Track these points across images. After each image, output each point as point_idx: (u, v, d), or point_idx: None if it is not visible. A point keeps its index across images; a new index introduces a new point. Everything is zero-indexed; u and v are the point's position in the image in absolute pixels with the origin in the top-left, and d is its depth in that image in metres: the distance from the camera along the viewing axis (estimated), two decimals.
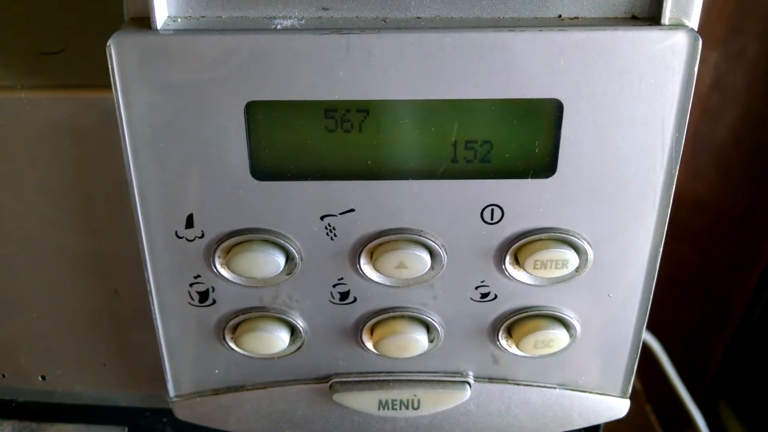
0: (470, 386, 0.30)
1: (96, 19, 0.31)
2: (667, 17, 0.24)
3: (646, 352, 0.62)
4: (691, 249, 0.68)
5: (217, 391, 0.31)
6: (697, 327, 0.73)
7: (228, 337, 0.29)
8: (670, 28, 0.24)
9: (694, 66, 0.24)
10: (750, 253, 0.67)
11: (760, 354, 0.69)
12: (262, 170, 0.26)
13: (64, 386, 0.36)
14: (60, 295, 0.33)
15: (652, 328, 0.62)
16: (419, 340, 0.29)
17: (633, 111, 0.25)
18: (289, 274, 0.28)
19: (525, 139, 0.25)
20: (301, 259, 0.27)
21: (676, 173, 0.26)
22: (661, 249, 0.28)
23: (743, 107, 0.59)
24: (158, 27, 0.24)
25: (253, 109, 0.25)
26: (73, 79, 0.28)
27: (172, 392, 0.31)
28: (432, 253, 0.27)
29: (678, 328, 0.72)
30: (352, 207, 0.26)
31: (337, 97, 0.25)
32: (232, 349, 0.29)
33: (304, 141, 0.26)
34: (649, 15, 0.24)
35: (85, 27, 0.32)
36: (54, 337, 0.34)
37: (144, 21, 0.24)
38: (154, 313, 0.29)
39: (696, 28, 0.24)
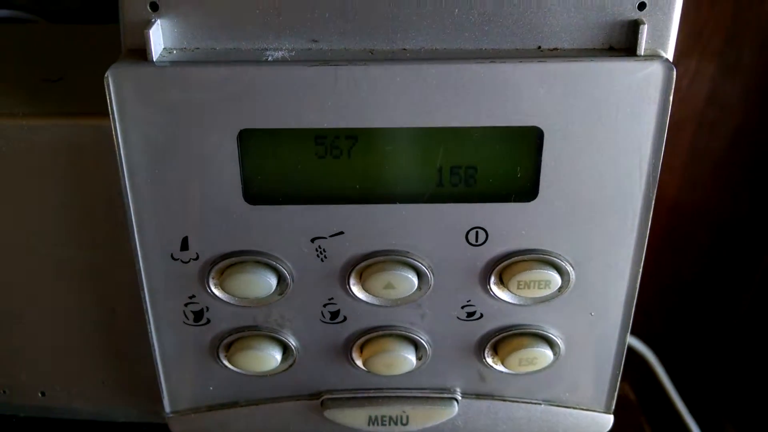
0: (458, 402, 0.31)
1: (96, 48, 0.32)
2: (642, 48, 0.25)
3: (642, 365, 0.62)
4: (689, 261, 0.68)
5: (211, 407, 0.32)
6: (695, 339, 0.73)
7: (222, 356, 0.30)
8: (646, 59, 0.25)
9: (670, 95, 0.25)
10: (748, 265, 0.67)
11: (761, 366, 0.69)
12: (254, 195, 0.27)
13: (64, 402, 0.37)
14: (59, 314, 0.34)
15: (649, 340, 0.62)
16: (407, 358, 0.30)
17: (611, 138, 0.26)
18: (281, 294, 0.28)
19: (507, 164, 0.26)
20: (293, 280, 0.28)
21: (654, 197, 0.27)
22: (641, 269, 0.28)
23: (740, 119, 0.59)
24: (154, 58, 0.25)
25: (245, 137, 0.26)
26: (72, 107, 0.29)
27: (167, 408, 0.32)
28: (419, 274, 0.28)
29: (676, 340, 0.72)
30: (341, 230, 0.27)
31: (326, 125, 0.26)
32: (226, 366, 0.30)
33: (294, 167, 0.27)
34: (626, 46, 0.25)
35: (84, 56, 0.33)
36: (53, 354, 0.35)
37: (141, 52, 0.25)
38: (150, 332, 0.30)
39: (671, 59, 0.25)
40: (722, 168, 0.62)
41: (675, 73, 0.25)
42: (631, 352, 0.61)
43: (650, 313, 0.71)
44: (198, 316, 0.29)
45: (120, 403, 0.36)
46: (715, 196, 0.64)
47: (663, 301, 0.71)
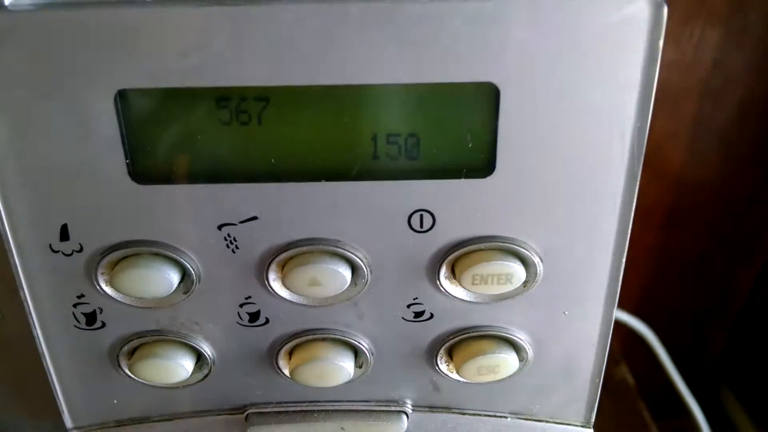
0: (407, 416, 0.26)
1: None
2: None
3: (642, 345, 0.58)
4: (693, 235, 0.65)
5: (119, 423, 0.27)
6: (699, 314, 0.70)
7: (123, 364, 0.25)
8: None
9: (659, 41, 0.20)
10: (754, 238, 0.65)
11: (764, 341, 0.66)
12: (143, 172, 0.22)
13: None
14: None
15: (651, 316, 0.59)
16: (343, 367, 0.25)
17: (585, 97, 0.21)
18: (186, 293, 0.23)
19: (456, 131, 0.21)
20: (200, 276, 0.23)
21: (640, 171, 0.22)
22: (624, 259, 0.23)
23: (746, 88, 0.56)
24: (6, 2, 0.20)
25: (126, 99, 0.21)
26: None
27: (68, 424, 0.27)
28: (353, 267, 0.23)
29: (680, 315, 0.70)
30: (254, 214, 0.22)
31: (228, 83, 0.20)
32: (130, 377, 0.25)
33: (193, 136, 0.21)
34: None
35: None
36: None
37: None
38: (38, 339, 0.25)
39: None
40: (727, 140, 0.59)
41: (666, 11, 0.20)
42: (630, 332, 0.58)
43: (650, 289, 0.68)
44: (90, 318, 0.24)
45: (28, 417, 0.31)
46: (720, 167, 0.61)
47: (665, 277, 0.68)
